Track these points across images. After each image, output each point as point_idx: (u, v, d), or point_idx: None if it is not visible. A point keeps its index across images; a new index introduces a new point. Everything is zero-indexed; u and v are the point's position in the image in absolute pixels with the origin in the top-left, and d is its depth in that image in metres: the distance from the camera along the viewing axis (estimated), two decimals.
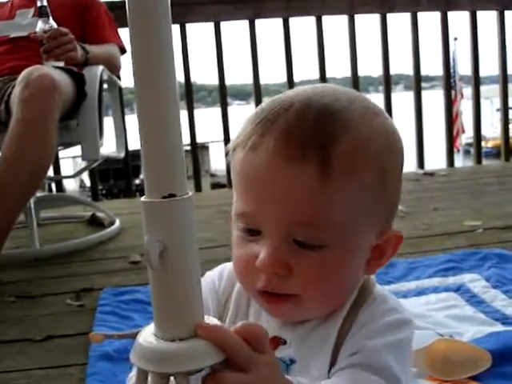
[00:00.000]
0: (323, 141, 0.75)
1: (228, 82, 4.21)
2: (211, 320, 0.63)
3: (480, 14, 4.42)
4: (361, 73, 4.48)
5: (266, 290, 0.79)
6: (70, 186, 14.67)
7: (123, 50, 3.03)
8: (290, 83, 4.25)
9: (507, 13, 4.40)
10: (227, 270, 0.93)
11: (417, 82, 4.43)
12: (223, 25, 4.09)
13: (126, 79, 3.62)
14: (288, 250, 0.77)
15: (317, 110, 0.76)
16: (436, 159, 4.91)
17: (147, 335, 0.62)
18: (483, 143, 4.97)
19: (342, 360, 0.79)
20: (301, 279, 0.77)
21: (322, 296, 0.80)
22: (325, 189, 0.74)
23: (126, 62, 3.03)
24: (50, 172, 3.24)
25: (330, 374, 0.79)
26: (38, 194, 2.97)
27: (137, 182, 13.21)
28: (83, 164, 3.09)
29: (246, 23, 4.09)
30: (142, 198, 0.58)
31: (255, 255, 0.78)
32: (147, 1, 0.55)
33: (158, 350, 0.60)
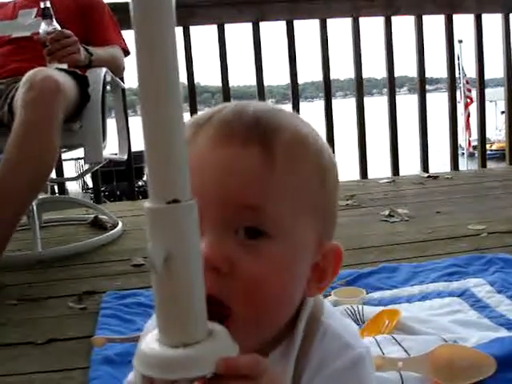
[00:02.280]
0: (264, 130, 0.73)
1: (231, 83, 4.21)
2: (215, 326, 0.63)
3: (485, 16, 4.42)
4: (365, 75, 4.48)
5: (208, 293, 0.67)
6: (73, 187, 14.68)
7: (126, 52, 3.03)
8: (294, 85, 4.25)
9: None
10: None
11: (421, 85, 4.42)
12: (227, 27, 4.09)
13: (129, 80, 3.62)
14: (230, 242, 0.70)
15: (253, 109, 0.75)
16: (440, 162, 4.90)
17: (150, 341, 0.62)
18: (487, 146, 4.96)
19: None
20: (245, 277, 0.69)
21: (257, 310, 0.71)
22: (269, 173, 0.71)
23: (130, 64, 3.03)
24: (53, 174, 3.23)
25: None
26: (41, 196, 2.96)
27: (139, 183, 13.23)
28: (86, 166, 3.09)
29: (249, 26, 4.09)
30: (146, 204, 0.58)
31: None
32: (151, 3, 0.55)
33: (162, 357, 0.60)
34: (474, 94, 11.39)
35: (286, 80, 4.40)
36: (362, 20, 4.25)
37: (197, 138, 0.74)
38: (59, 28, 2.57)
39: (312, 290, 0.79)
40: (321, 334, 0.78)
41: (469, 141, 17.10)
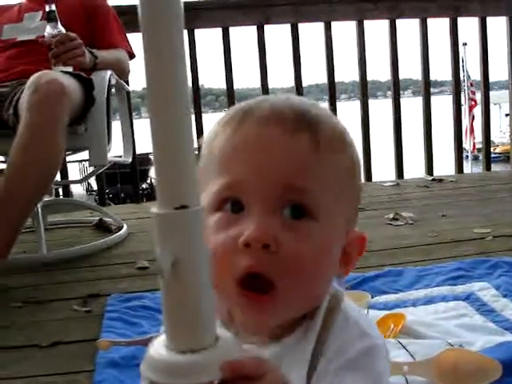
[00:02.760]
0: (311, 120, 0.78)
1: (235, 86, 4.21)
2: (223, 333, 0.63)
3: (489, 19, 4.41)
4: (369, 77, 4.47)
5: (248, 271, 0.74)
6: (77, 190, 14.70)
7: (131, 55, 3.03)
8: (298, 88, 4.25)
9: None
10: None
11: (426, 87, 4.42)
12: (232, 30, 4.10)
13: (133, 83, 3.63)
14: (278, 222, 0.75)
15: (299, 101, 0.82)
16: (444, 165, 4.90)
17: (158, 346, 0.62)
18: (491, 149, 4.95)
19: None
20: (289, 256, 0.74)
21: (299, 285, 0.76)
22: (315, 159, 0.77)
23: (134, 67, 3.04)
24: (58, 177, 3.23)
25: None
26: (46, 198, 2.97)
27: (144, 186, 13.25)
28: (90, 168, 3.09)
29: (254, 28, 4.10)
30: (154, 210, 0.58)
31: (238, 236, 0.74)
32: (160, 6, 0.55)
33: (169, 362, 0.60)
34: (478, 96, 11.39)
35: (290, 83, 4.40)
36: (367, 23, 4.25)
37: (246, 122, 0.79)
38: (64, 31, 2.58)
39: (340, 271, 0.84)
40: (340, 321, 0.81)
41: (473, 143, 17.08)
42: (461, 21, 4.37)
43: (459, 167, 4.48)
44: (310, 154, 0.76)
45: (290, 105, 0.80)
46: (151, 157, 0.59)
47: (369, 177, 4.34)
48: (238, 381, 0.61)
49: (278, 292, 0.74)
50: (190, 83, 3.92)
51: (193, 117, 4.06)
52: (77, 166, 13.11)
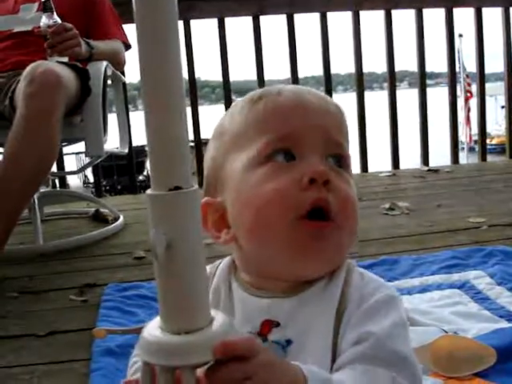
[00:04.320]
0: (326, 96, 0.94)
1: (231, 78, 4.20)
2: (218, 314, 0.63)
3: (485, 10, 4.41)
4: (365, 69, 4.47)
5: (317, 203, 0.82)
6: (74, 182, 14.68)
7: (127, 46, 3.02)
8: (294, 79, 4.25)
9: None
10: None
11: (421, 79, 4.42)
12: (227, 21, 4.09)
13: (130, 75, 3.62)
14: (327, 165, 0.85)
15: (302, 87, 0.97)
16: (440, 156, 4.90)
17: (153, 328, 0.62)
18: (487, 140, 4.96)
19: (346, 346, 0.79)
20: (343, 196, 0.84)
21: (350, 219, 0.85)
22: (343, 121, 0.92)
23: (131, 58, 3.03)
24: (54, 168, 3.23)
25: (336, 365, 0.79)
26: (42, 189, 2.97)
27: (140, 178, 13.23)
28: (87, 160, 3.09)
29: (250, 19, 4.09)
30: (148, 191, 0.58)
31: (299, 177, 0.82)
32: None
33: (164, 343, 0.60)
34: (474, 88, 11.37)
35: (286, 74, 4.40)
36: (363, 14, 4.25)
37: (281, 95, 0.89)
38: (60, 21, 2.57)
39: None
40: (358, 277, 0.87)
41: (470, 135, 17.09)
42: (456, 12, 4.37)
43: (455, 158, 4.48)
44: (340, 116, 0.91)
45: (302, 87, 0.95)
46: (147, 147, 0.59)
47: (365, 167, 4.34)
48: (231, 361, 0.62)
49: (334, 225, 0.83)
50: (185, 75, 3.91)
51: (189, 109, 4.06)
52: (73, 158, 13.08)
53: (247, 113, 0.89)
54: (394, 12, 4.27)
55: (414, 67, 4.58)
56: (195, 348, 0.60)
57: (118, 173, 13.51)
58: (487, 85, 4.63)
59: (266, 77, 4.25)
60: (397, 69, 4.49)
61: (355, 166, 4.35)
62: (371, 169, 4.36)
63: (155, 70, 0.57)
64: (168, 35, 0.56)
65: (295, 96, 0.89)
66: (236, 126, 0.90)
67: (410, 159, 4.93)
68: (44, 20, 2.57)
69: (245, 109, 0.90)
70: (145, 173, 15.10)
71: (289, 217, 0.81)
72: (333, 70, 4.41)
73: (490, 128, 19.97)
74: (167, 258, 0.58)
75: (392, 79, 4.40)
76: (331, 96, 4.25)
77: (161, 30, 0.55)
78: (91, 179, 13.67)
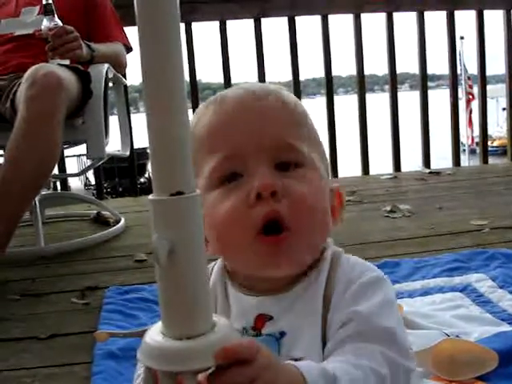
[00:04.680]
0: (271, 91, 0.91)
1: (233, 80, 4.20)
2: (220, 319, 0.63)
3: (487, 13, 4.41)
4: (366, 71, 4.47)
5: (268, 216, 0.82)
6: (75, 184, 14.68)
7: (129, 49, 3.03)
8: (296, 82, 4.25)
9: None
10: None
11: (423, 81, 4.42)
12: (229, 23, 4.09)
13: (131, 77, 3.62)
14: (276, 174, 0.84)
15: (248, 86, 0.93)
16: (442, 158, 4.90)
17: (154, 333, 0.62)
18: (489, 142, 4.95)
19: (335, 329, 0.82)
20: (294, 199, 0.83)
21: (309, 221, 0.85)
22: (289, 117, 0.89)
23: (132, 60, 3.03)
24: (55, 170, 3.23)
25: (327, 350, 0.82)
26: (43, 192, 2.97)
27: (142, 180, 13.22)
28: (88, 162, 3.09)
29: (251, 22, 4.09)
30: (150, 196, 0.58)
31: (243, 199, 0.83)
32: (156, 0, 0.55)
33: (166, 349, 0.60)
34: (475, 90, 11.37)
35: (287, 76, 4.40)
36: (364, 16, 4.25)
37: (228, 98, 0.90)
38: (61, 24, 2.57)
39: (333, 220, 0.93)
40: (344, 262, 0.90)
41: (472, 137, 17.08)
42: (458, 14, 4.37)
43: (456, 160, 4.48)
44: (288, 112, 0.89)
45: (254, 84, 0.94)
46: (149, 151, 0.59)
47: (366, 170, 4.34)
48: (233, 366, 0.61)
49: (292, 232, 0.83)
50: (187, 77, 3.92)
51: (190, 112, 4.04)
52: (75, 160, 13.08)
53: (200, 127, 0.90)
54: (395, 14, 4.27)
55: (415, 69, 4.58)
56: (197, 353, 0.59)
57: (120, 175, 13.51)
58: (488, 87, 4.63)
59: (268, 79, 4.25)
60: (398, 71, 4.49)
61: (357, 169, 4.35)
62: (372, 171, 4.36)
63: (157, 73, 0.56)
64: (170, 38, 0.56)
65: (236, 106, 0.88)
66: (195, 143, 0.89)
67: (412, 162, 4.93)
68: (45, 23, 2.57)
69: (198, 124, 0.91)
70: (146, 175, 15.11)
71: (246, 235, 0.83)
72: (334, 73, 4.41)
73: (492, 130, 19.97)
74: (169, 263, 0.57)
75: (393, 81, 4.40)
76: (331, 98, 4.28)
77: (163, 32, 0.55)
78: (93, 181, 13.67)
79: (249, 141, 0.85)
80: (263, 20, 4.11)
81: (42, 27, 2.57)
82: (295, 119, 0.90)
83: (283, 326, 0.85)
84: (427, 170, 4.17)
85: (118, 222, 3.03)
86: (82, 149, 2.80)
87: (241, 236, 0.83)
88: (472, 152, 16.47)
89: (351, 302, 0.83)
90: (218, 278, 0.94)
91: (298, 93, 4.25)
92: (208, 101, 0.94)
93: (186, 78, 3.94)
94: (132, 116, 3.80)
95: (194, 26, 3.99)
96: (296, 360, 0.78)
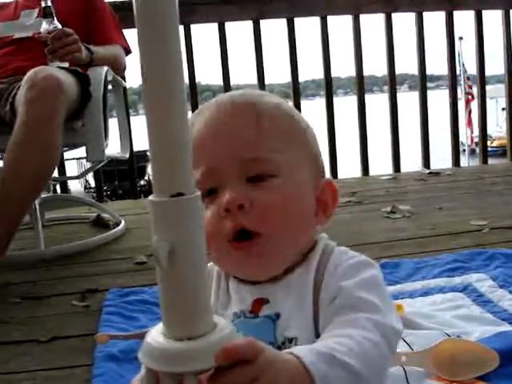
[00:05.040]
0: (248, 99, 0.94)
1: (232, 82, 4.21)
2: (221, 320, 0.63)
3: (485, 13, 4.41)
4: (365, 72, 4.48)
5: (235, 229, 0.87)
6: (75, 187, 14.68)
7: (128, 51, 3.03)
8: (295, 83, 4.25)
9: None
10: None
11: (422, 82, 4.42)
12: (227, 25, 4.09)
13: (130, 80, 3.63)
14: (246, 187, 0.88)
15: (229, 96, 0.96)
16: (441, 159, 4.90)
17: (156, 335, 0.62)
18: (488, 143, 4.96)
19: (325, 307, 0.86)
20: (263, 208, 0.87)
21: (281, 226, 0.89)
22: (261, 125, 0.90)
23: (131, 63, 3.04)
24: (55, 173, 3.23)
25: (321, 328, 0.85)
26: (43, 195, 2.96)
27: (141, 182, 13.23)
28: (88, 165, 3.09)
29: (250, 23, 4.09)
30: (150, 197, 0.58)
31: (215, 213, 0.89)
32: (155, 2, 0.55)
33: (167, 350, 0.60)
34: (474, 90, 11.38)
35: (287, 78, 4.41)
36: (363, 17, 4.25)
37: (199, 116, 0.94)
38: (60, 26, 2.58)
39: (321, 219, 0.97)
40: (336, 253, 0.93)
41: (471, 137, 17.09)
42: (456, 14, 4.37)
43: (456, 161, 4.48)
44: (254, 129, 0.90)
45: (227, 96, 0.96)
46: (149, 153, 0.59)
47: (366, 171, 4.34)
48: (235, 366, 0.62)
49: (262, 237, 0.88)
50: (186, 79, 3.91)
51: (190, 114, 4.04)
52: (75, 163, 13.08)
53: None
54: (394, 15, 4.27)
55: (414, 70, 4.58)
56: (198, 354, 0.60)
57: (119, 178, 13.51)
58: (488, 87, 4.63)
59: (267, 81, 4.25)
60: (397, 72, 4.49)
61: (356, 170, 4.35)
62: (372, 172, 4.36)
63: (157, 76, 0.57)
64: (169, 40, 0.56)
65: (210, 121, 0.93)
66: None
67: (411, 162, 4.93)
68: (44, 25, 2.58)
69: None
70: (146, 177, 15.11)
71: (222, 244, 0.89)
72: (333, 74, 4.41)
73: (491, 130, 19.96)
74: (170, 265, 0.57)
75: (392, 82, 4.40)
76: (331, 99, 4.28)
77: (162, 34, 0.55)
78: (92, 184, 13.67)
79: (221, 157, 0.89)
80: (262, 22, 4.11)
81: (42, 30, 2.58)
82: (268, 130, 0.91)
83: (278, 309, 0.90)
84: (427, 171, 4.16)
85: (118, 224, 3.03)
86: (81, 152, 2.80)
87: (218, 245, 0.89)
88: (471, 152, 16.48)
89: (338, 280, 0.87)
90: (222, 273, 0.99)
91: (297, 94, 4.25)
92: (200, 108, 0.98)
93: (186, 79, 3.93)
94: (131, 118, 3.80)
95: (193, 27, 3.99)
96: (290, 340, 0.87)
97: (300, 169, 0.93)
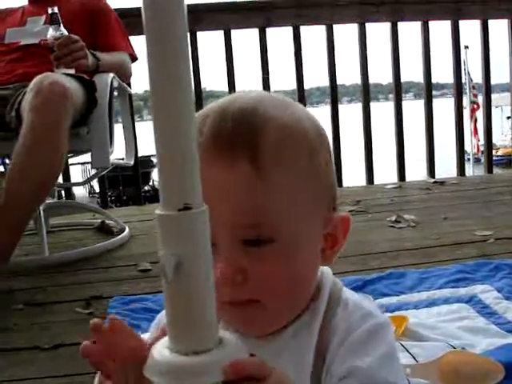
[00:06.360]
0: (249, 136, 0.76)
1: (237, 89, 4.21)
2: (227, 335, 0.63)
3: (491, 22, 4.41)
4: (371, 80, 4.48)
5: (230, 301, 0.78)
6: (79, 192, 14.70)
7: (134, 58, 3.04)
8: (300, 91, 4.25)
9: None
10: None
11: (427, 90, 4.42)
12: (234, 33, 4.10)
13: (135, 86, 3.63)
14: (240, 252, 0.77)
15: (233, 111, 0.78)
16: (447, 168, 4.90)
17: (161, 348, 0.62)
18: (493, 151, 4.95)
19: (335, 380, 0.78)
20: (258, 282, 0.77)
21: (282, 297, 0.80)
22: (263, 183, 0.75)
23: (136, 69, 3.04)
24: (60, 179, 3.24)
25: None
26: (48, 201, 2.97)
27: (146, 188, 13.24)
28: (93, 170, 3.09)
29: (256, 31, 4.10)
30: (157, 211, 0.58)
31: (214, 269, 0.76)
32: (164, 10, 0.55)
33: (172, 364, 0.60)
34: (480, 99, 11.36)
35: (292, 85, 4.41)
36: (369, 26, 4.25)
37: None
38: (66, 33, 2.58)
39: (328, 257, 0.85)
40: (343, 305, 0.84)
41: (477, 146, 17.08)
42: (462, 23, 4.37)
43: (461, 170, 4.47)
44: (253, 183, 0.75)
45: (226, 119, 0.77)
46: (153, 159, 0.59)
47: (371, 179, 4.34)
48: (242, 382, 0.61)
49: (261, 303, 0.79)
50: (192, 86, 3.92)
51: None
52: (79, 168, 13.11)
53: None
54: (399, 24, 4.28)
55: (419, 78, 4.57)
56: (204, 369, 0.59)
57: (124, 183, 13.52)
58: (493, 95, 4.63)
59: (272, 88, 4.26)
60: (402, 80, 4.49)
61: (361, 178, 4.35)
62: (377, 181, 4.35)
63: (165, 84, 0.56)
64: (178, 48, 0.56)
65: (204, 167, 0.70)
66: None
67: (416, 171, 4.93)
68: (51, 32, 2.59)
69: None
70: (150, 183, 15.14)
71: (218, 301, 0.75)
72: (338, 81, 4.42)
73: (496, 138, 19.94)
74: (177, 279, 0.57)
75: (398, 90, 4.40)
76: (336, 107, 4.27)
77: (171, 42, 0.55)
78: (97, 189, 13.69)
79: (214, 217, 0.68)
80: (268, 30, 4.12)
81: (48, 36, 2.59)
82: (273, 186, 0.76)
83: None
84: (432, 180, 4.16)
85: (122, 231, 3.02)
86: (86, 156, 2.81)
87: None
88: (476, 161, 16.46)
89: (352, 354, 0.79)
90: None
91: (302, 101, 4.25)
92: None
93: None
94: (136, 124, 3.80)
95: (199, 34, 4.00)
96: None
97: (307, 219, 0.80)
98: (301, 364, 0.81)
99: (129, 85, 3.20)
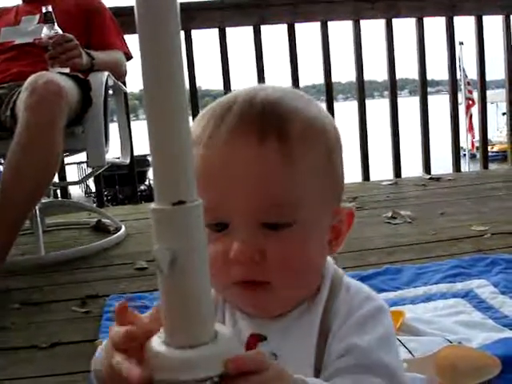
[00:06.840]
0: (278, 122, 0.79)
1: (233, 87, 4.21)
2: (222, 327, 0.63)
3: (485, 18, 4.42)
4: (366, 77, 4.48)
5: (244, 280, 0.80)
6: (75, 191, 14.69)
7: (128, 57, 3.03)
8: (296, 88, 4.24)
9: None
10: None
11: (422, 87, 4.42)
12: (228, 31, 4.10)
13: (130, 85, 3.63)
14: (260, 234, 0.79)
15: (262, 99, 0.81)
16: (442, 164, 4.90)
17: (157, 343, 0.62)
18: (489, 148, 4.95)
19: (332, 359, 0.81)
20: (275, 262, 0.79)
21: (293, 280, 0.82)
22: (289, 167, 0.78)
23: (132, 68, 3.04)
24: (55, 178, 3.23)
25: (324, 376, 0.80)
26: (43, 200, 2.96)
27: (142, 187, 13.23)
28: (88, 170, 3.09)
29: (250, 29, 4.09)
30: (152, 206, 0.58)
31: (226, 250, 0.79)
32: (156, 8, 0.55)
33: (168, 358, 0.60)
34: (475, 95, 11.38)
35: (287, 83, 4.40)
36: (363, 22, 4.25)
37: (217, 137, 0.80)
38: (61, 32, 2.58)
39: (331, 247, 0.88)
40: (344, 289, 0.87)
41: (472, 142, 17.11)
42: (457, 20, 4.37)
43: (457, 166, 4.48)
44: (281, 165, 0.78)
45: (255, 104, 0.80)
46: (149, 158, 0.59)
47: (367, 176, 4.34)
48: (241, 376, 0.61)
49: (272, 285, 0.81)
50: (187, 84, 3.91)
51: (190, 119, 4.04)
52: (75, 167, 13.10)
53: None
54: (394, 21, 4.28)
55: (414, 75, 4.59)
56: (200, 363, 0.59)
57: (120, 182, 13.51)
58: (488, 92, 4.63)
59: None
60: (398, 77, 4.49)
61: (357, 175, 4.35)
62: (373, 177, 4.35)
63: (158, 81, 0.56)
64: (171, 45, 0.56)
65: (224, 149, 0.79)
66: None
67: (412, 167, 4.93)
68: (45, 31, 2.58)
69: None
70: (146, 182, 15.13)
71: (227, 281, 0.81)
72: (334, 79, 4.41)
73: (491, 135, 19.98)
74: (172, 273, 0.57)
75: (393, 87, 4.40)
76: (331, 105, 4.28)
77: (163, 39, 0.55)
78: (93, 188, 13.68)
79: (234, 197, 0.78)
80: (263, 27, 4.11)
81: (42, 35, 2.58)
82: (298, 172, 0.79)
83: (276, 348, 0.84)
84: (427, 176, 4.16)
85: (118, 229, 3.02)
86: (82, 156, 2.81)
87: (222, 280, 0.81)
88: (472, 157, 16.49)
89: (351, 333, 0.81)
90: (219, 299, 0.92)
91: None
92: (209, 114, 0.84)
93: (186, 85, 3.94)
94: (132, 123, 3.80)
95: (194, 33, 4.00)
96: None
97: (320, 208, 0.83)
98: (305, 345, 0.83)
99: (124, 84, 3.20)
